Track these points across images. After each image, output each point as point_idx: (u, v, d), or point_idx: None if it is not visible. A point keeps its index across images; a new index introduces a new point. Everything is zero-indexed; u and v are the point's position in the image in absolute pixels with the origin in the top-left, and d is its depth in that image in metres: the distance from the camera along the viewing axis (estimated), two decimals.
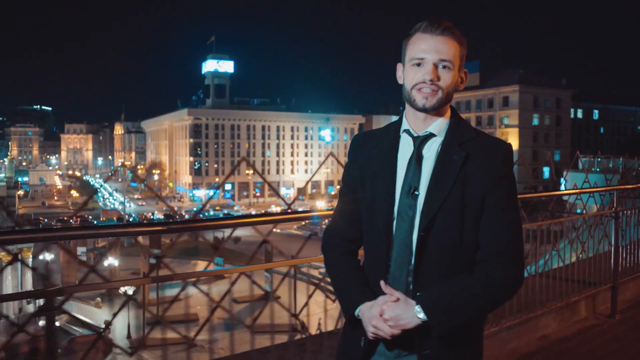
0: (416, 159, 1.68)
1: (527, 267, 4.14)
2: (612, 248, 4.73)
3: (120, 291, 30.18)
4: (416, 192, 1.65)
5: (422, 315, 1.55)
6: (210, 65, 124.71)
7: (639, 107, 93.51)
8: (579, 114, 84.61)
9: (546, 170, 74.42)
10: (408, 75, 1.69)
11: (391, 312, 1.58)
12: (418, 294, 1.60)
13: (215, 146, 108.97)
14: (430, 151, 1.69)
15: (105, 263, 36.13)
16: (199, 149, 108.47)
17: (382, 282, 1.63)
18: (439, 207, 1.61)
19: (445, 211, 1.61)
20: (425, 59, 1.64)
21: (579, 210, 5.01)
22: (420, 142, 1.69)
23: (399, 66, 1.76)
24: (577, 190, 4.82)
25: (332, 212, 2.95)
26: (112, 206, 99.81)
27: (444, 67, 1.64)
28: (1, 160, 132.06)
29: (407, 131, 1.72)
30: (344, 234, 1.82)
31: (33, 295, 2.19)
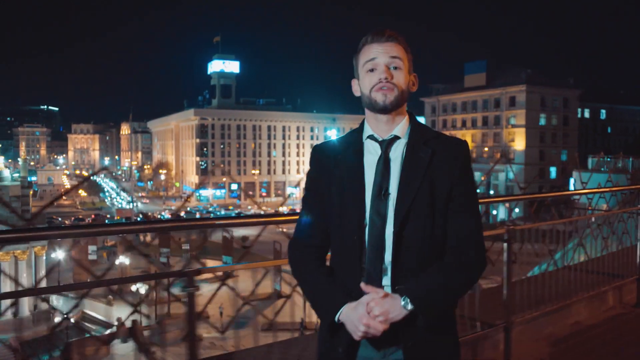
0: (384, 161, 1.76)
1: (557, 261, 4.36)
2: (638, 243, 4.96)
3: (132, 289, 30.56)
4: (388, 193, 1.73)
5: (409, 307, 1.63)
6: (216, 66, 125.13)
7: None
8: (586, 114, 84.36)
9: (553, 170, 74.31)
10: (364, 82, 1.80)
11: (380, 308, 1.62)
12: (398, 287, 1.68)
13: (222, 146, 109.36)
14: (397, 152, 1.78)
15: (117, 262, 36.47)
16: (205, 149, 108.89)
17: (362, 283, 1.67)
18: (411, 203, 1.70)
19: (418, 207, 1.70)
20: (376, 60, 1.76)
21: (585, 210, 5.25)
22: (386, 145, 1.78)
23: (354, 81, 1.87)
24: (603, 189, 5.03)
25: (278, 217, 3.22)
26: (119, 205, 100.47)
27: (395, 67, 1.76)
28: (9, 160, 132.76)
29: (372, 136, 1.81)
30: (313, 242, 1.85)
31: (176, 274, 2.64)
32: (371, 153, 1.80)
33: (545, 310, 3.86)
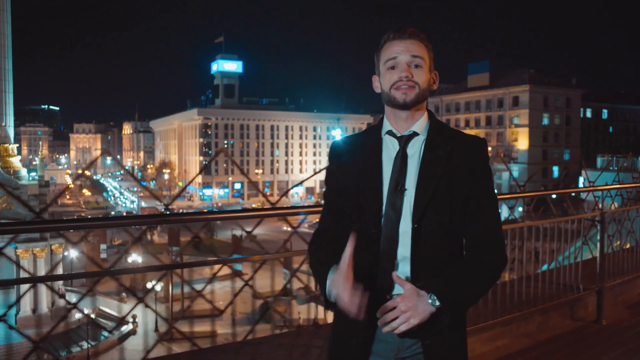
0: (401, 157, 1.78)
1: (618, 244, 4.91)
2: None
3: (148, 286, 31.07)
4: (404, 188, 1.75)
5: (437, 303, 1.63)
6: (219, 66, 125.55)
7: None
8: (588, 114, 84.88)
9: (555, 170, 74.87)
10: (385, 78, 1.81)
11: (408, 303, 1.62)
12: (421, 283, 1.67)
13: (225, 146, 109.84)
14: (415, 149, 1.79)
15: (130, 259, 36.94)
16: (208, 149, 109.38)
17: (394, 274, 1.67)
18: (428, 200, 1.71)
19: (435, 204, 1.72)
20: (398, 58, 1.77)
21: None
22: (405, 141, 1.80)
23: (375, 78, 1.88)
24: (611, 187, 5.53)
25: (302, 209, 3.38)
26: (123, 205, 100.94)
27: (416, 65, 1.77)
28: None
29: (390, 132, 1.83)
30: (333, 235, 1.85)
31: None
32: (389, 148, 1.82)
33: (626, 278, 4.62)
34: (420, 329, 1.65)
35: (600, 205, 4.92)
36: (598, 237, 4.69)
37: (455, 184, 1.74)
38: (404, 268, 1.74)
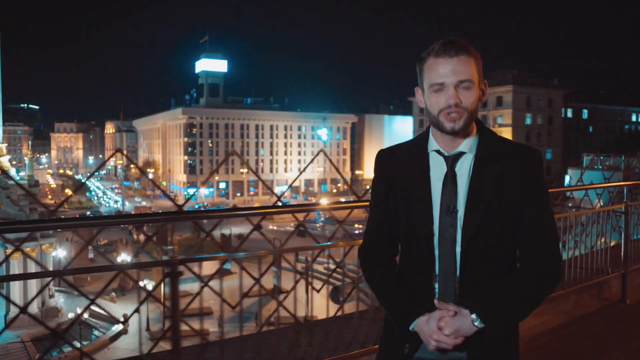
0: (451, 177, 1.73)
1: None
2: None
3: (140, 285, 31.01)
4: (455, 210, 1.71)
5: (478, 323, 1.64)
6: (203, 65, 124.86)
7: (626, 107, 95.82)
8: (569, 114, 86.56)
9: None
10: (430, 100, 1.71)
11: (451, 327, 1.66)
12: (468, 302, 1.69)
13: (210, 145, 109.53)
14: (463, 169, 1.73)
15: (119, 259, 36.80)
16: (193, 148, 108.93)
17: (435, 301, 1.72)
18: (478, 222, 1.68)
19: (485, 225, 1.68)
20: (445, 82, 1.66)
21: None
22: (452, 160, 1.74)
23: (417, 90, 1.80)
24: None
25: (316, 206, 3.57)
26: (106, 204, 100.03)
27: (465, 88, 1.66)
28: None
29: (438, 151, 1.76)
30: (382, 251, 1.88)
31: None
32: (437, 167, 1.76)
33: None
34: (465, 343, 1.68)
35: (600, 203, 5.35)
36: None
37: (507, 202, 1.69)
38: (453, 288, 1.74)
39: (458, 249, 1.71)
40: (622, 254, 5.16)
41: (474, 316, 1.64)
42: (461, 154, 1.74)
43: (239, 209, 3.25)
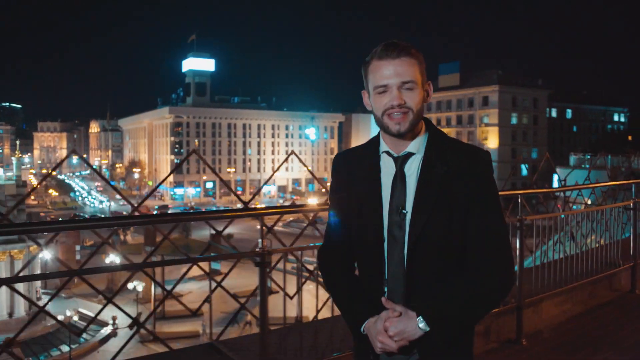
0: (400, 178, 1.74)
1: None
2: None
3: (129, 287, 30.79)
4: (404, 211, 1.71)
5: (423, 326, 1.62)
6: (190, 64, 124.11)
7: (609, 107, 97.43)
8: (554, 113, 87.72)
9: (524, 168, 77.06)
10: (375, 102, 1.73)
11: (395, 328, 1.64)
12: (414, 304, 1.66)
13: (197, 144, 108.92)
14: (412, 169, 1.74)
15: (107, 260, 36.45)
16: (180, 147, 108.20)
17: (383, 299, 1.70)
18: (425, 222, 1.67)
19: (432, 225, 1.68)
20: (389, 84, 1.68)
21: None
22: (401, 161, 1.75)
23: (364, 93, 1.81)
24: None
25: (306, 207, 3.59)
26: (91, 205, 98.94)
27: (408, 88, 1.68)
28: None
29: (387, 152, 1.78)
30: (340, 254, 1.88)
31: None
32: (387, 167, 1.78)
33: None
34: (416, 346, 1.66)
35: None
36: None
37: (455, 202, 1.68)
38: (401, 288, 1.72)
39: (405, 250, 1.70)
40: (631, 247, 5.50)
41: (420, 319, 1.62)
42: (410, 154, 1.75)
43: (225, 211, 3.35)
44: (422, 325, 1.61)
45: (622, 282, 5.51)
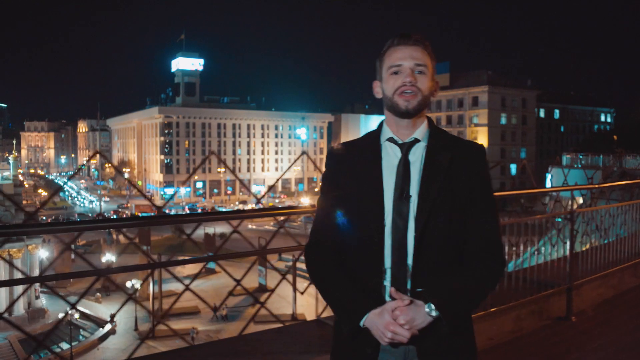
0: (404, 164, 1.76)
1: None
2: None
3: (127, 285, 30.89)
4: (409, 195, 1.73)
5: (434, 313, 1.63)
6: (179, 63, 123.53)
7: (595, 107, 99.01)
8: (542, 114, 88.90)
9: (513, 167, 78.10)
10: (387, 84, 1.80)
11: (405, 317, 1.62)
12: (420, 290, 1.68)
13: (186, 144, 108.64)
14: (416, 156, 1.78)
15: (103, 259, 36.50)
16: (169, 147, 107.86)
17: (392, 289, 1.68)
18: (432, 205, 1.71)
19: (437, 210, 1.71)
20: (402, 65, 1.77)
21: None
22: (407, 147, 1.78)
23: (376, 83, 1.87)
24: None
25: (297, 209, 3.47)
26: (81, 205, 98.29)
27: (420, 72, 1.76)
28: None
29: (391, 139, 1.81)
30: (329, 246, 1.84)
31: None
32: (390, 155, 1.80)
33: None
34: (422, 336, 1.66)
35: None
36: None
37: (456, 190, 1.74)
38: (406, 275, 1.73)
39: (411, 236, 1.71)
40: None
41: (429, 306, 1.63)
42: (415, 142, 1.79)
43: (218, 213, 3.30)
44: (432, 312, 1.63)
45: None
